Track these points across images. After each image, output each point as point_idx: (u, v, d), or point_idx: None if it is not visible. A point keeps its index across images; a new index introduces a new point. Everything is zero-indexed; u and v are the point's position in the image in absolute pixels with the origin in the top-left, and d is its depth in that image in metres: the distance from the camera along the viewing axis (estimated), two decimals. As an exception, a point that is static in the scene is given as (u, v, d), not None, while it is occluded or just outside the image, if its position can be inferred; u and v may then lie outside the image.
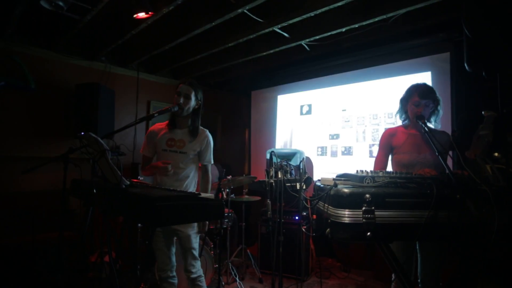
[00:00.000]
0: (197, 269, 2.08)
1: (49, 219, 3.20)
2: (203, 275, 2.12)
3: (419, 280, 1.96)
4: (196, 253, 2.07)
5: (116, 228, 3.48)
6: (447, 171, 1.48)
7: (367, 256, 3.70)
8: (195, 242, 2.06)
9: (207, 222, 2.13)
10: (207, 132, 2.20)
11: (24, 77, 3.31)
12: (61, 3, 2.58)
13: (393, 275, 1.97)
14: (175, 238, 2.12)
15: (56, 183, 3.46)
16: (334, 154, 4.03)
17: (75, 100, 3.53)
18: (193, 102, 2.08)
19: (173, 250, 2.17)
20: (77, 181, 2.06)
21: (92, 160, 1.52)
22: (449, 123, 2.99)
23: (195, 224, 2.06)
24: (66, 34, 3.26)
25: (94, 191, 1.42)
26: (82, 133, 1.65)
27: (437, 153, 1.64)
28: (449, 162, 1.78)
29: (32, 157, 3.37)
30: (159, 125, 2.22)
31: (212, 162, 2.20)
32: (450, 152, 1.89)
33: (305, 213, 3.47)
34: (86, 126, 3.34)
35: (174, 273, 2.17)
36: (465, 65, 1.22)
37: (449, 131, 2.06)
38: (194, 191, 2.15)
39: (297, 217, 3.45)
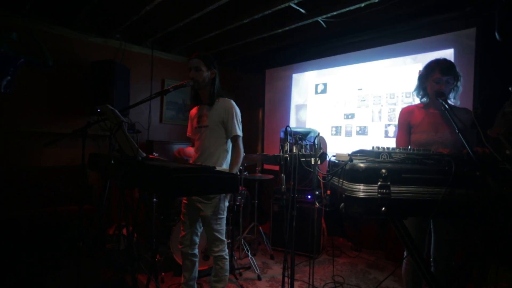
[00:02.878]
0: (219, 248, 2.02)
1: (69, 193, 3.33)
2: (226, 257, 2.05)
3: (431, 259, 1.96)
4: (218, 234, 2.01)
5: (132, 203, 3.60)
6: (468, 149, 1.43)
7: (378, 236, 3.71)
8: (216, 223, 1.99)
9: (222, 203, 2.01)
10: (231, 101, 2.12)
11: (42, 54, 3.36)
12: (76, -22, 2.57)
13: (405, 253, 1.97)
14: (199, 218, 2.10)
15: (75, 158, 3.59)
16: (348, 134, 3.98)
17: (92, 77, 3.57)
18: (206, 73, 2.05)
19: (198, 228, 2.16)
20: (94, 155, 2.11)
21: (110, 133, 1.54)
22: (471, 101, 2.88)
23: (215, 205, 1.98)
24: (82, 11, 3.25)
25: (112, 162, 1.46)
26: (99, 107, 1.68)
27: (457, 131, 1.59)
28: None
29: (51, 133, 3.47)
30: (196, 106, 2.23)
31: (240, 133, 2.07)
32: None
33: (318, 192, 3.48)
34: (103, 103, 3.39)
35: (195, 251, 2.17)
36: (496, 34, 1.16)
37: (470, 109, 1.98)
38: (227, 167, 2.07)
39: (309, 196, 3.47)
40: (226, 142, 2.11)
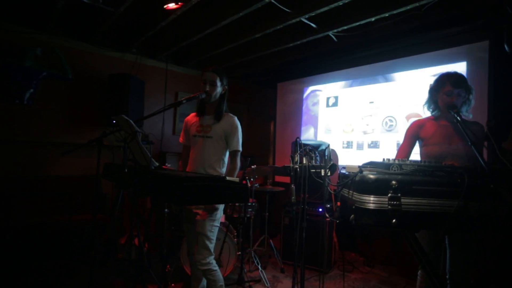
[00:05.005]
0: (207, 261, 1.95)
1: (84, 202, 3.40)
2: (215, 268, 1.99)
3: (447, 276, 1.90)
4: (208, 243, 1.96)
5: (144, 213, 3.64)
6: (480, 161, 1.42)
7: (392, 251, 3.62)
8: (209, 230, 1.97)
9: (218, 211, 2.03)
10: (235, 118, 2.17)
11: (63, 68, 3.51)
12: (97, -4, 2.70)
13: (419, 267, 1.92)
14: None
15: (90, 168, 3.68)
16: (360, 147, 3.95)
17: (108, 90, 3.69)
18: (219, 88, 2.11)
19: None
20: (109, 164, 2.18)
21: (124, 143, 1.59)
22: (485, 114, 2.84)
23: (212, 212, 1.98)
24: (101, 26, 3.40)
25: (126, 170, 1.50)
26: (114, 118, 1.74)
27: (469, 143, 1.57)
28: (484, 154, 1.71)
29: (68, 143, 3.57)
30: (193, 114, 2.29)
31: (240, 149, 2.14)
32: (485, 143, 1.81)
33: (329, 205, 3.45)
34: (118, 114, 3.48)
35: None
36: (505, 46, 1.16)
37: (484, 123, 1.96)
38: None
39: (320, 209, 3.43)
40: (225, 155, 2.18)
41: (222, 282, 2.00)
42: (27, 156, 3.42)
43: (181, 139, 2.35)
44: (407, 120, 3.53)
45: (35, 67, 3.32)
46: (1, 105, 3.25)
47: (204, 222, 1.98)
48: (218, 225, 2.07)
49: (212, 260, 2.00)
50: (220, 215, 2.08)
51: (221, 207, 2.09)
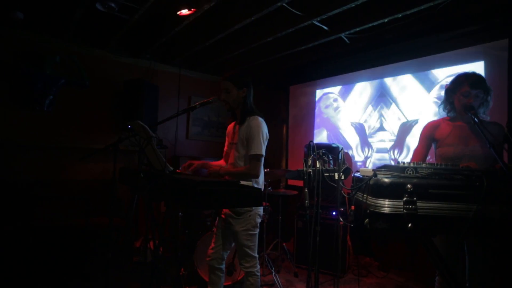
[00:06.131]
0: (250, 264, 2.01)
1: (100, 205, 3.47)
2: (258, 274, 2.02)
3: (467, 285, 1.84)
4: (249, 250, 2.00)
5: (159, 217, 3.69)
6: (500, 163, 1.37)
7: (408, 256, 3.54)
8: (246, 239, 1.99)
9: (253, 219, 2.00)
10: (258, 119, 2.05)
11: (80, 75, 3.62)
12: (113, 4, 2.78)
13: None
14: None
15: (105, 172, 3.76)
16: (373, 150, 3.89)
17: (123, 95, 3.77)
18: (236, 93, 2.10)
19: (228, 245, 2.16)
20: (124, 169, 2.22)
21: (139, 147, 1.62)
22: (505, 116, 2.75)
23: (246, 221, 1.99)
24: (116, 34, 3.49)
25: (141, 175, 1.53)
26: (130, 123, 1.78)
27: (489, 145, 1.52)
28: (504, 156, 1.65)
29: (85, 148, 3.66)
30: (234, 122, 2.26)
31: (260, 152, 1.95)
32: (505, 146, 1.76)
33: (342, 209, 3.41)
34: (133, 119, 3.55)
35: (222, 266, 2.16)
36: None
37: (504, 124, 1.90)
38: (255, 184, 2.06)
39: (334, 213, 3.40)
40: None
41: None
42: (46, 161, 3.52)
43: (225, 148, 2.31)
44: (422, 121, 3.46)
45: (54, 74, 3.43)
46: (22, 111, 3.37)
47: (238, 234, 2.00)
48: (256, 231, 2.03)
49: (257, 264, 2.04)
50: (255, 220, 2.02)
51: (255, 212, 2.02)
